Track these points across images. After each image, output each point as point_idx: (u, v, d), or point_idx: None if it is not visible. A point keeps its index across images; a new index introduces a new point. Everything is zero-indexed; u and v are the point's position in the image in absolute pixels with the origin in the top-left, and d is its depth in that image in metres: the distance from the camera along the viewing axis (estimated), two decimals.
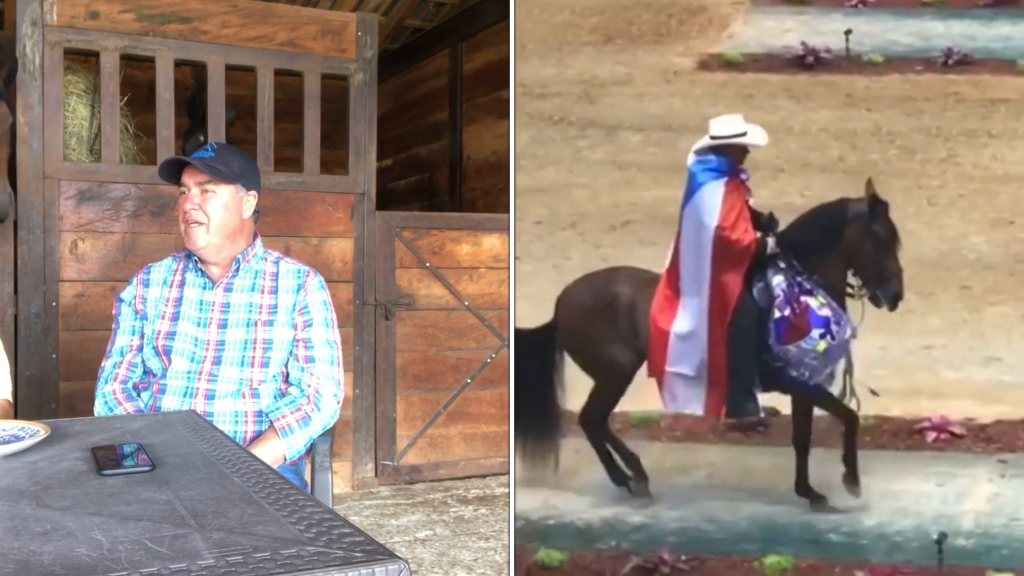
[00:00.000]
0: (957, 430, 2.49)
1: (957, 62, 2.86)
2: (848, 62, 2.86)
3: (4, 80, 3.53)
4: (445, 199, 6.34)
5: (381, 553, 0.98)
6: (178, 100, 4.12)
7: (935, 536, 2.29)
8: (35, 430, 1.58)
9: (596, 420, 2.57)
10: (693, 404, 2.49)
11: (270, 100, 4.19)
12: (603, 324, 2.53)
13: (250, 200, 2.38)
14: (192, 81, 4.97)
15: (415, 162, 6.84)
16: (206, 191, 2.30)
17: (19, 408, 3.29)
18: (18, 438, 1.54)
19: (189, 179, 2.31)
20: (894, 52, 2.89)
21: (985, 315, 2.45)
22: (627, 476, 2.53)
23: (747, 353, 2.44)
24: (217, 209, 2.30)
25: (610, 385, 2.56)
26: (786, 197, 2.61)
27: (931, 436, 2.47)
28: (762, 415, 2.50)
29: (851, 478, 2.42)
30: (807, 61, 2.86)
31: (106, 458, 1.42)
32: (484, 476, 4.64)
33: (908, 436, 2.47)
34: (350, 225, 4.35)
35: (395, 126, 6.97)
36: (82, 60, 4.45)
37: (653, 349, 2.49)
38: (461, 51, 6.17)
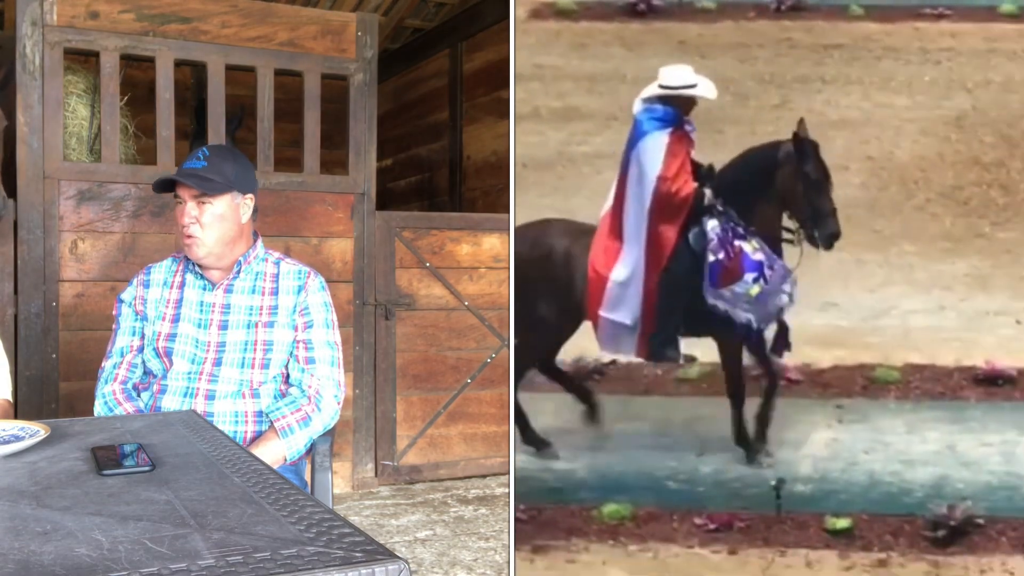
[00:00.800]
0: (794, 376, 2.47)
1: (790, 8, 2.82)
2: (680, 9, 2.82)
3: (1, 82, 3.53)
4: (445, 199, 6.34)
5: (381, 553, 0.98)
6: (179, 101, 4.12)
7: (773, 482, 2.27)
8: (35, 430, 1.58)
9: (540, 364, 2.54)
10: (626, 347, 2.47)
11: (270, 100, 4.19)
12: (538, 275, 2.50)
13: (247, 203, 2.36)
14: (192, 81, 4.97)
15: (415, 162, 6.84)
16: (202, 203, 2.28)
17: (19, 408, 3.29)
18: (18, 438, 1.54)
19: (184, 191, 2.29)
20: None
21: (821, 260, 2.41)
22: (590, 414, 2.50)
23: (675, 298, 2.42)
24: (213, 221, 2.28)
25: (546, 333, 2.52)
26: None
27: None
28: (681, 361, 2.47)
29: (760, 436, 2.37)
30: (639, 9, 2.81)
31: (106, 458, 1.42)
32: (484, 476, 4.64)
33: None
34: (350, 225, 4.35)
35: (395, 126, 6.97)
36: (82, 60, 4.45)
37: (590, 293, 2.47)
38: (461, 51, 6.17)
